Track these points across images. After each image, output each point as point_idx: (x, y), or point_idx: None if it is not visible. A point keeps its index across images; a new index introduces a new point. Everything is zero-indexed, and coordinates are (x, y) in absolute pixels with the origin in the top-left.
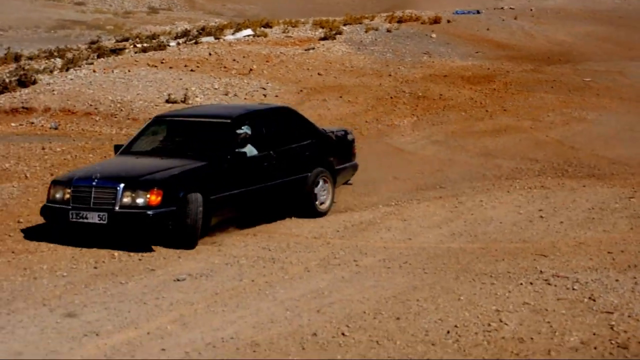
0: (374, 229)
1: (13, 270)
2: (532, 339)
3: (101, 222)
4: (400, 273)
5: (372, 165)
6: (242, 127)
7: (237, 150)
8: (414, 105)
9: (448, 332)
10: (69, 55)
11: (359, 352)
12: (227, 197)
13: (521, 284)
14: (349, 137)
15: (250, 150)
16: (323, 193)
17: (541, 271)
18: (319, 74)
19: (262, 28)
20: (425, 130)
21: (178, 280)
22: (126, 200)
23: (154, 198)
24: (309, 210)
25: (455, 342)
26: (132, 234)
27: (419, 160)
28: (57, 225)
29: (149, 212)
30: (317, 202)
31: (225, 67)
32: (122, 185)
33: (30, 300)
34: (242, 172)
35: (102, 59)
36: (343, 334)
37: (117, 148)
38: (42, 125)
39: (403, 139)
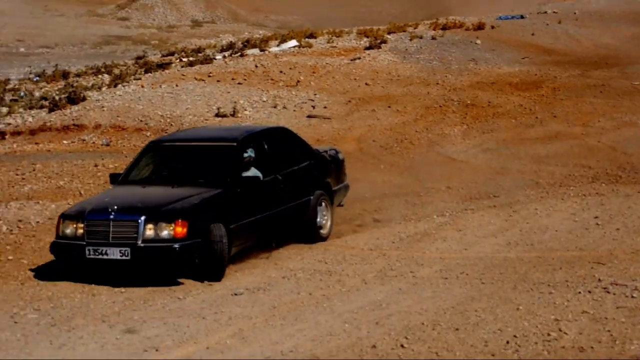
0: (429, 239)
1: (71, 287)
2: (592, 347)
3: (123, 257)
4: (458, 284)
5: (425, 175)
6: (247, 150)
7: (245, 174)
8: (463, 114)
9: (507, 342)
10: (116, 71)
11: None
12: (245, 225)
13: (579, 292)
14: (340, 156)
15: (254, 173)
16: (324, 217)
17: (599, 279)
18: (366, 84)
19: (307, 39)
20: (476, 138)
21: (236, 294)
22: (149, 233)
23: (180, 230)
24: (312, 235)
25: (515, 353)
26: (157, 269)
27: (471, 169)
28: (71, 263)
29: (176, 246)
30: (318, 227)
31: (272, 80)
32: (143, 217)
33: (89, 317)
34: (255, 198)
35: (149, 74)
36: (402, 345)
37: (114, 177)
38: (94, 142)
39: (454, 147)
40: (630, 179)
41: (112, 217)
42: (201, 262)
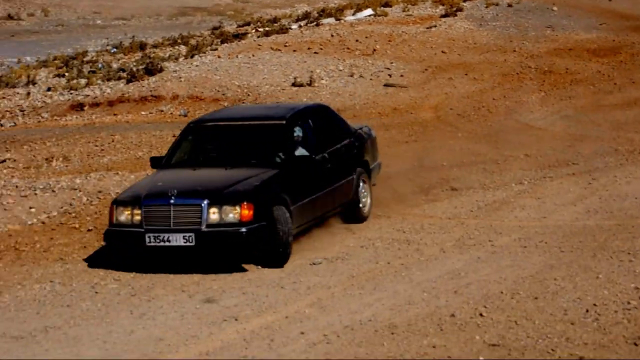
0: (507, 207)
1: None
2: None
3: (188, 244)
4: (537, 252)
5: (502, 142)
6: (295, 129)
7: (298, 154)
8: (541, 81)
9: (587, 310)
10: (193, 42)
11: (498, 333)
12: (303, 206)
13: None
14: (373, 133)
15: (302, 153)
16: (365, 195)
17: None
18: (442, 51)
19: (382, 7)
20: (554, 105)
21: (314, 264)
22: (213, 217)
23: (246, 213)
24: (355, 214)
25: (595, 321)
26: (222, 254)
27: (549, 137)
28: (128, 251)
29: (243, 230)
30: (360, 205)
31: (348, 49)
32: (206, 201)
33: (169, 287)
34: (309, 178)
35: (225, 44)
36: (481, 314)
37: (155, 161)
38: (172, 113)
39: (532, 115)
40: None
41: (172, 201)
42: (265, 247)
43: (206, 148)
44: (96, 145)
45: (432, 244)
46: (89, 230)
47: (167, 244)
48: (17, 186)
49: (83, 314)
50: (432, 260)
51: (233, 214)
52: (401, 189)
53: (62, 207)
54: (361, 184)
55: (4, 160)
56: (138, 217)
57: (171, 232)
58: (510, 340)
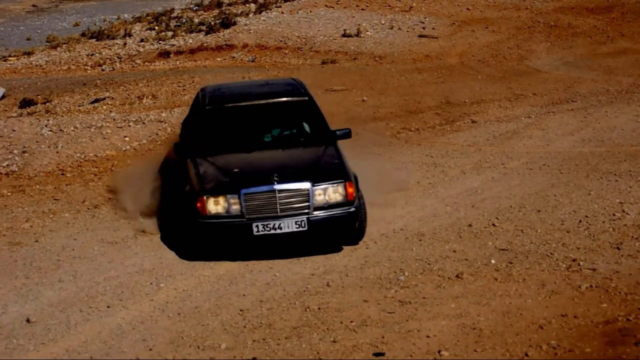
0: (517, 137)
1: None
2: None
3: (300, 229)
4: (540, 173)
5: (515, 84)
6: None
7: (334, 131)
8: (548, 33)
9: (580, 221)
10: (261, 0)
11: (507, 239)
12: (356, 180)
13: None
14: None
15: None
16: None
17: None
18: (467, 9)
19: None
20: (558, 53)
21: None
22: (319, 199)
23: (351, 191)
24: None
25: (586, 230)
26: (333, 237)
27: (553, 79)
28: (233, 243)
29: (352, 209)
30: None
31: (389, 6)
32: (309, 183)
33: None
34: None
35: (288, 2)
36: (493, 224)
37: (179, 148)
38: (242, 59)
39: (539, 61)
40: None
41: (277, 187)
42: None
43: (238, 131)
44: (179, 86)
45: (455, 166)
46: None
47: (277, 231)
48: (114, 119)
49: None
50: (454, 180)
51: (338, 193)
52: (430, 121)
53: (150, 136)
54: None
55: (104, 98)
56: (237, 207)
57: (279, 218)
58: (517, 245)
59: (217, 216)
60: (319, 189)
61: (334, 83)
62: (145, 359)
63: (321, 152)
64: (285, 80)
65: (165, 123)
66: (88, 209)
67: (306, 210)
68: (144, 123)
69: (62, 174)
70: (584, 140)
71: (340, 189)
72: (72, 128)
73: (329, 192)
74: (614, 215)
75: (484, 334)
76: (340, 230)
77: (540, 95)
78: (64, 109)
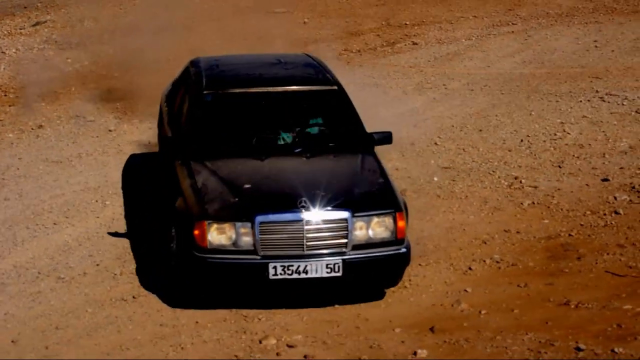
0: (458, 58)
1: None
2: (590, 145)
3: (333, 274)
4: (482, 94)
5: (455, 6)
6: None
7: (372, 133)
8: None
9: (521, 140)
10: None
11: (449, 158)
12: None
13: (580, 101)
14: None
15: None
16: None
17: (597, 90)
18: None
19: None
20: None
21: None
22: (360, 233)
23: (402, 225)
24: None
25: (528, 149)
26: (374, 283)
27: (493, 2)
28: (240, 287)
29: (402, 250)
30: None
31: None
32: (349, 213)
33: None
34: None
35: None
36: (435, 143)
37: (167, 142)
38: None
39: None
40: (623, 10)
41: (305, 215)
42: None
43: (246, 127)
44: (120, 8)
45: (396, 87)
46: (114, 76)
47: (302, 276)
48: (56, 41)
49: (109, 144)
50: (396, 100)
51: (385, 227)
52: (372, 43)
53: (92, 58)
54: None
55: (46, 21)
56: (248, 239)
57: (306, 258)
58: (459, 163)
59: (220, 250)
60: (360, 220)
61: (275, 5)
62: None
63: (358, 163)
64: (302, 58)
65: (107, 45)
66: (32, 129)
67: (342, 250)
68: (85, 45)
69: (5, 95)
70: (524, 62)
71: (389, 221)
72: (14, 50)
73: (373, 226)
74: (555, 134)
75: (427, 249)
76: (385, 277)
77: (480, 18)
78: (5, 32)
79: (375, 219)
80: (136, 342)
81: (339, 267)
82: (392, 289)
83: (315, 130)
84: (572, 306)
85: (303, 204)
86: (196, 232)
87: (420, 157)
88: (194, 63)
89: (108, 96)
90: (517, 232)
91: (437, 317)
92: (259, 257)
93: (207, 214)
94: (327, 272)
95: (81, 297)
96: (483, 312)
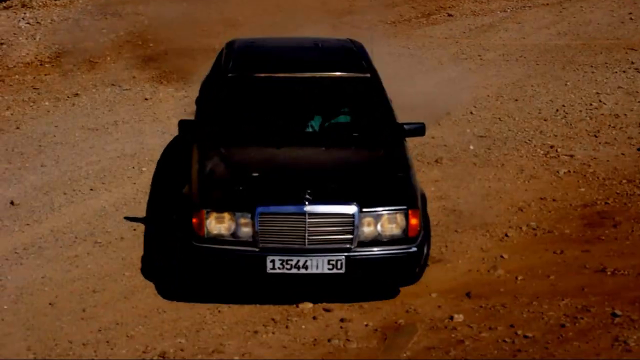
0: (493, 30)
1: None
2: (625, 115)
3: (335, 271)
4: (517, 65)
5: None
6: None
7: (403, 124)
8: None
9: (557, 110)
10: None
11: (485, 127)
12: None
13: (616, 72)
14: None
15: None
16: None
17: (632, 62)
18: None
19: None
20: None
21: None
22: (367, 230)
23: (415, 223)
24: None
25: (564, 118)
26: (379, 282)
27: None
28: (236, 280)
29: (412, 249)
30: None
31: None
32: (356, 207)
33: None
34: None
35: None
36: (471, 112)
37: (186, 125)
38: None
39: None
40: None
41: (308, 208)
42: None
43: (268, 114)
44: None
45: (432, 57)
46: (149, 46)
47: (302, 271)
48: (91, 12)
49: (145, 112)
50: (431, 71)
51: (395, 224)
52: (406, 14)
53: (127, 29)
54: None
55: None
56: (248, 230)
57: (307, 253)
58: (495, 132)
59: (218, 239)
60: (368, 216)
61: None
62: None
63: (381, 156)
64: (343, 42)
65: (142, 15)
66: (68, 97)
67: (347, 245)
68: (120, 15)
69: (41, 65)
70: (559, 33)
71: (400, 218)
72: (49, 21)
73: (383, 222)
74: (590, 104)
75: (464, 216)
76: (392, 276)
77: None
78: (41, 3)
79: (386, 215)
80: (173, 305)
81: (341, 263)
82: (432, 255)
83: (341, 119)
84: (608, 273)
85: (307, 196)
86: (194, 220)
87: (456, 125)
88: (229, 44)
89: (143, 65)
90: (554, 200)
91: (474, 283)
92: (257, 250)
93: (207, 202)
94: (329, 269)
95: (118, 261)
96: (519, 278)
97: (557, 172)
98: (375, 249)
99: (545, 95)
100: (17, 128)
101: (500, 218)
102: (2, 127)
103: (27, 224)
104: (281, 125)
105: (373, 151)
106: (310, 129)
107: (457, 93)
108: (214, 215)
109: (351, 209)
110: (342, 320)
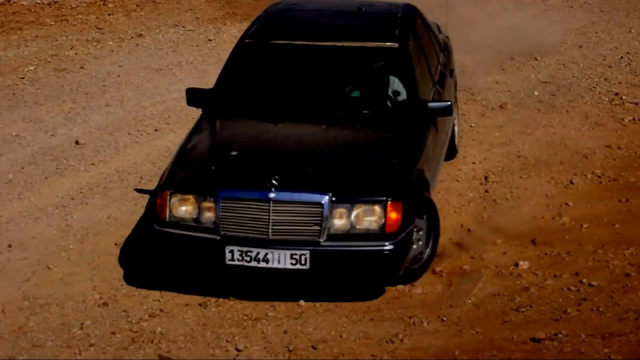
0: None
1: None
2: None
3: (298, 266)
4: (581, 11)
5: None
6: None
7: (426, 102)
8: None
9: (621, 57)
10: None
11: (549, 73)
12: (433, 175)
13: None
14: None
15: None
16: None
17: None
18: None
19: None
20: None
21: None
22: (339, 223)
23: (394, 217)
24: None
25: (628, 65)
26: (349, 280)
27: None
28: (194, 268)
29: (387, 247)
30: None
31: None
32: (328, 195)
33: None
34: (429, 140)
35: None
36: (535, 58)
37: (195, 95)
38: None
39: None
40: None
41: (273, 195)
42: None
43: (281, 85)
44: None
45: (495, 3)
46: None
47: (262, 264)
48: None
49: (209, 52)
50: (495, 16)
51: (372, 218)
52: None
53: None
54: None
55: None
56: (211, 215)
57: (269, 245)
58: (559, 79)
59: (180, 224)
60: (341, 206)
61: None
62: None
63: (386, 138)
64: (390, 8)
65: None
66: (131, 37)
67: (315, 239)
68: None
69: (104, 4)
70: None
71: (378, 211)
72: None
73: (358, 214)
74: None
75: (529, 162)
76: (364, 275)
77: None
78: None
79: (361, 207)
80: None
81: (306, 259)
82: (497, 200)
83: (357, 93)
84: None
85: (273, 181)
86: (158, 201)
87: (520, 71)
88: (271, 6)
89: (207, 6)
90: (618, 148)
91: (539, 230)
92: (218, 238)
93: (172, 182)
94: (292, 264)
95: None
96: (584, 226)
97: (622, 119)
98: (346, 243)
99: (609, 42)
100: (82, 68)
101: (565, 165)
102: (66, 67)
103: (92, 164)
104: (288, 99)
105: (380, 131)
106: (320, 103)
107: (520, 38)
108: (178, 197)
109: (320, 197)
110: None
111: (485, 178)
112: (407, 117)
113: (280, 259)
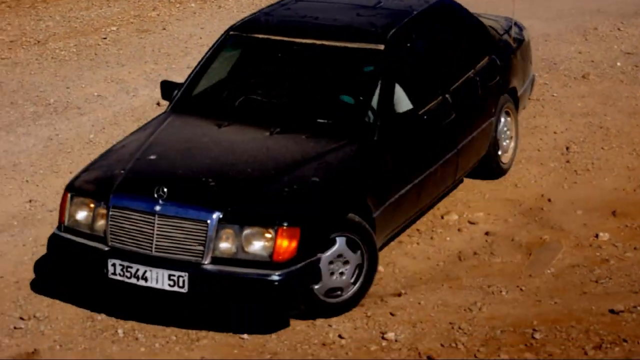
0: None
1: None
2: None
3: (176, 288)
4: None
5: None
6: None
7: (403, 110)
8: None
9: None
10: None
11: (632, 44)
12: (397, 203)
13: None
14: (525, 35)
15: (401, 100)
16: (507, 137)
17: None
18: None
19: None
20: None
21: None
22: (225, 246)
23: (285, 245)
24: (491, 169)
25: None
26: (232, 307)
27: None
28: (80, 278)
29: (275, 277)
30: (499, 153)
31: None
32: (216, 214)
33: None
34: (412, 150)
35: None
36: (619, 29)
37: (167, 87)
38: None
39: None
40: None
41: (158, 208)
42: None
43: (247, 82)
44: None
45: None
46: None
47: (141, 282)
48: None
49: None
50: None
51: (261, 244)
52: None
53: None
54: (503, 120)
55: None
56: (102, 223)
57: (152, 262)
58: None
59: (75, 230)
60: (229, 227)
61: None
62: None
63: (324, 152)
64: (412, 2)
65: None
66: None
67: (197, 260)
68: None
69: None
70: None
71: (268, 237)
72: None
73: (247, 237)
74: None
75: (610, 133)
76: (249, 305)
77: None
78: None
79: (250, 230)
80: None
81: (184, 281)
82: (578, 171)
83: (319, 93)
84: None
85: (161, 192)
86: (62, 204)
87: (603, 41)
88: None
89: None
90: None
91: (619, 201)
92: (105, 249)
93: (73, 184)
94: (170, 285)
95: None
96: None
97: None
98: (230, 269)
99: None
100: (164, 29)
101: None
102: (148, 28)
103: None
104: (247, 99)
105: (327, 144)
106: (277, 107)
107: (604, 8)
108: (78, 200)
109: (206, 215)
110: (486, 233)
111: (567, 148)
112: (370, 131)
113: (159, 279)
